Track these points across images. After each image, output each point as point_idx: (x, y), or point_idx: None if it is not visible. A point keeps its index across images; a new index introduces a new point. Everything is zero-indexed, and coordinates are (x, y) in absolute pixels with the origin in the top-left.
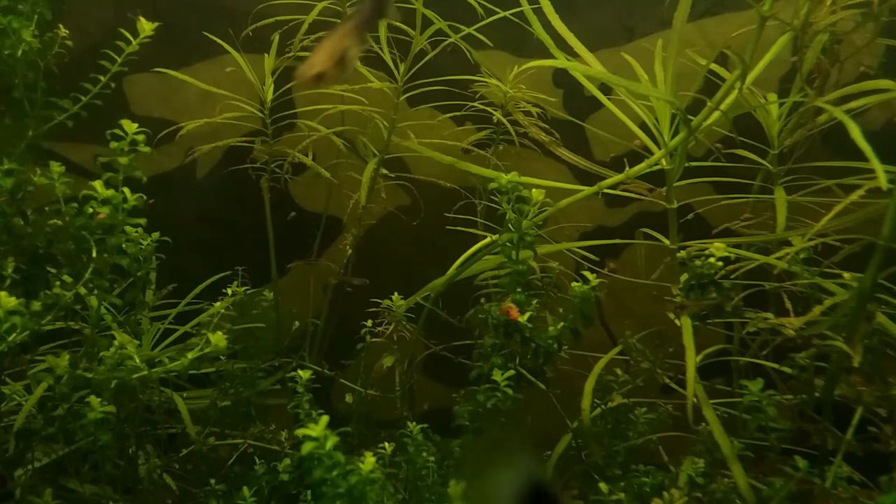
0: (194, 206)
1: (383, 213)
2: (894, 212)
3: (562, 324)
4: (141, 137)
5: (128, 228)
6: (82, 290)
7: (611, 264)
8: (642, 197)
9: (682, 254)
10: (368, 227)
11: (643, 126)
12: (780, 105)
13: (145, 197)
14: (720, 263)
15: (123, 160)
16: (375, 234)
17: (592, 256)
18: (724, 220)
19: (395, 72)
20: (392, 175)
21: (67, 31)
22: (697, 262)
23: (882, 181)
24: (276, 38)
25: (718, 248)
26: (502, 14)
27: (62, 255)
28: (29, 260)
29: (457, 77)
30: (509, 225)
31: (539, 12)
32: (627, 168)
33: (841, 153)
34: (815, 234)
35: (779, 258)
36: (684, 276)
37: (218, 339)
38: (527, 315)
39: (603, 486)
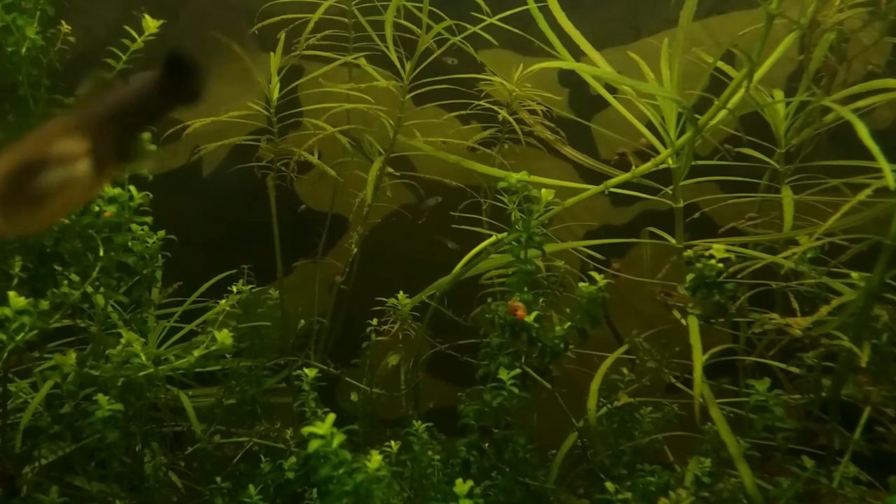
0: (200, 204)
1: (389, 212)
2: None
3: (569, 324)
4: (146, 136)
5: (134, 227)
6: (89, 289)
7: (615, 264)
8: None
9: (689, 253)
10: (373, 225)
11: (649, 125)
12: (787, 104)
13: (151, 195)
14: (721, 265)
15: None
16: (381, 232)
17: (598, 255)
18: (730, 219)
19: (401, 70)
20: (397, 173)
21: (71, 29)
22: (699, 265)
23: (889, 180)
24: (282, 36)
25: (719, 249)
26: (509, 13)
27: (69, 253)
28: (36, 259)
29: (463, 76)
30: (517, 224)
31: (545, 11)
32: (634, 167)
33: (848, 152)
34: (822, 233)
35: (786, 257)
36: (690, 276)
37: (224, 337)
38: (533, 314)
39: (609, 485)
